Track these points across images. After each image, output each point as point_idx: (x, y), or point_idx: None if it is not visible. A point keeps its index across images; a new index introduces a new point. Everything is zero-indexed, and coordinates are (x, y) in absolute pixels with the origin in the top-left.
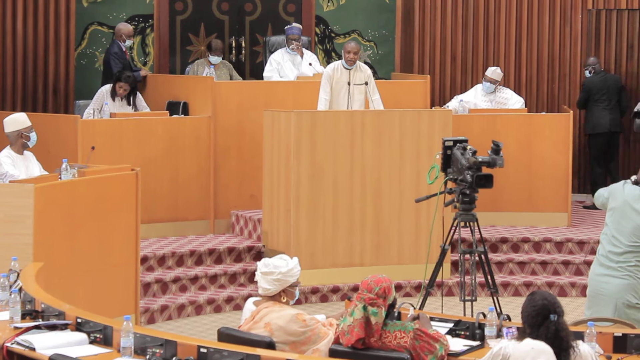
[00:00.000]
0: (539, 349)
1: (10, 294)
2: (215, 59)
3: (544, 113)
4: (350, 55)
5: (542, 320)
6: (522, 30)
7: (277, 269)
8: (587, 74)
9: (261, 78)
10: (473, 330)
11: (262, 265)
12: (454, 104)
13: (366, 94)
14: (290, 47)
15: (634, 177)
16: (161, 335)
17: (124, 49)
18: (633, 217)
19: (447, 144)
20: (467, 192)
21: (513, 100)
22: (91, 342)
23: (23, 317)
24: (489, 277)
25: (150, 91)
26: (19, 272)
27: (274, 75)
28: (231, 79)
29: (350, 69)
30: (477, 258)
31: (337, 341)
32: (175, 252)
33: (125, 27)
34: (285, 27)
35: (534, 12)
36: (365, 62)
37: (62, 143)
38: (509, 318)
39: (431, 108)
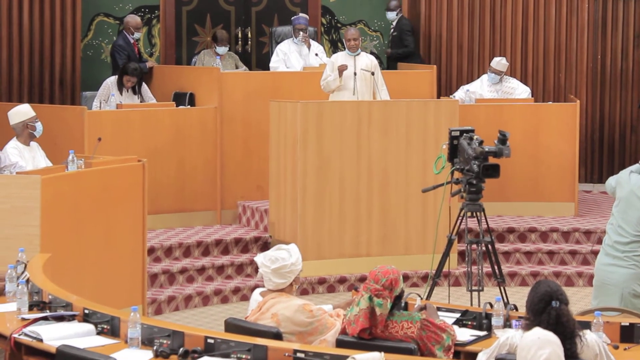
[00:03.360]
0: (545, 339)
1: (18, 285)
2: (222, 50)
3: (550, 103)
4: (351, 42)
5: (544, 307)
6: (528, 20)
7: (285, 261)
8: (394, 15)
9: (267, 69)
10: (480, 320)
11: (268, 261)
12: (460, 93)
13: (373, 84)
14: (297, 37)
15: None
16: (168, 326)
17: (132, 41)
18: (639, 206)
19: (453, 134)
20: (474, 182)
21: (519, 90)
22: (98, 333)
23: (30, 308)
24: (495, 267)
25: (156, 82)
26: (26, 264)
27: (280, 66)
28: (237, 69)
29: (354, 55)
30: (484, 248)
31: (343, 331)
32: (182, 243)
33: (133, 20)
34: (292, 18)
35: (540, 2)
36: (372, 52)
37: (68, 134)
38: (515, 308)
39: (437, 98)
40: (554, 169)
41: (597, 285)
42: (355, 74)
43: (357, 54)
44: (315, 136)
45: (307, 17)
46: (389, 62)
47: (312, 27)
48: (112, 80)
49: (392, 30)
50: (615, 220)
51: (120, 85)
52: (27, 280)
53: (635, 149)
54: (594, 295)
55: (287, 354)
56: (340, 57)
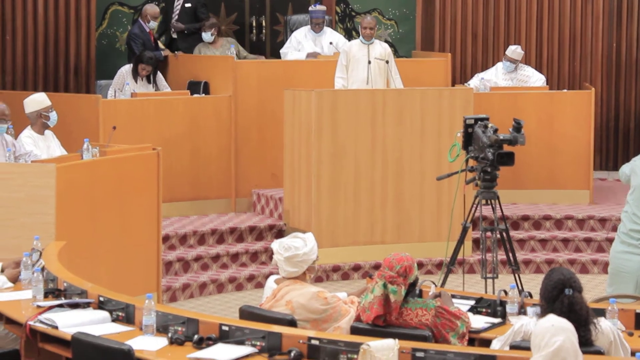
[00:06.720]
0: (559, 326)
1: (33, 273)
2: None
3: (565, 91)
4: (367, 30)
5: (558, 294)
6: (543, 8)
7: (298, 250)
8: None
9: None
10: (494, 308)
11: (282, 249)
12: (475, 82)
13: (387, 72)
14: (316, 31)
15: None
16: (183, 313)
17: (147, 30)
18: None
19: (468, 122)
20: (489, 169)
21: (534, 78)
22: (113, 321)
23: (46, 295)
24: (510, 254)
25: (171, 71)
26: (41, 251)
27: (289, 52)
28: (238, 57)
29: (368, 44)
30: (498, 235)
31: (358, 318)
32: (197, 231)
33: (151, 9)
34: (310, 10)
35: None
36: (386, 41)
37: (83, 123)
38: (530, 295)
39: (452, 86)
40: (568, 156)
41: (612, 273)
42: (369, 62)
43: (371, 43)
44: (330, 124)
45: (324, 8)
46: (174, 38)
47: (327, 16)
48: (126, 69)
49: (182, 0)
50: (630, 208)
51: (135, 74)
52: (43, 268)
53: None
54: (608, 282)
55: (301, 341)
56: (355, 45)
